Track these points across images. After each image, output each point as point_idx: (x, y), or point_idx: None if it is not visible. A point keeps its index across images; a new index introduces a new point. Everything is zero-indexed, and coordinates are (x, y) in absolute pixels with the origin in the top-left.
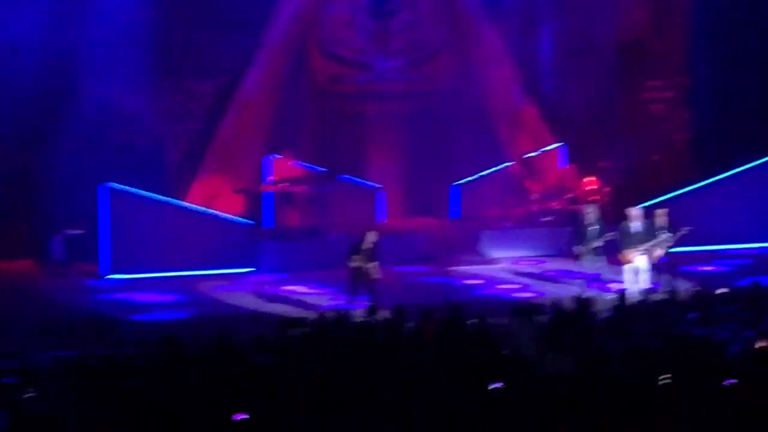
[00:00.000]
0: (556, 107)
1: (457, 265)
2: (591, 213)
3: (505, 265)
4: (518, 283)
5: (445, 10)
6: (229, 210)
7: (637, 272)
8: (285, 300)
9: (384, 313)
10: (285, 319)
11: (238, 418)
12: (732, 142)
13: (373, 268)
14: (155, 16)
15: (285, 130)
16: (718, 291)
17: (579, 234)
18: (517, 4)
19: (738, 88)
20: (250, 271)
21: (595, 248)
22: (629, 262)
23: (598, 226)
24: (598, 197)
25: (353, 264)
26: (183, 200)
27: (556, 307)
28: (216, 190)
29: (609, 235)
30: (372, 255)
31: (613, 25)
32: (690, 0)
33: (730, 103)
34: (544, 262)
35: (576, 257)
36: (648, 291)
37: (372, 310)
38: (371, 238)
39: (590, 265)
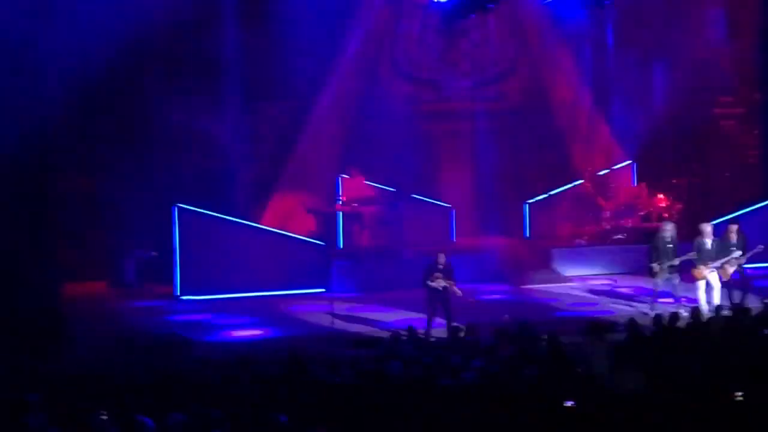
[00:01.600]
0: (628, 124)
1: (530, 284)
2: (667, 230)
3: (578, 283)
4: (592, 301)
5: (515, 29)
6: (303, 231)
7: (710, 289)
8: (358, 320)
9: (461, 332)
10: (359, 339)
11: None
12: None
13: (451, 287)
14: (228, 38)
15: (358, 150)
16: None
17: (655, 251)
18: (586, 21)
19: None
20: (322, 292)
21: (671, 266)
22: (702, 278)
23: (673, 244)
24: (669, 214)
25: (433, 285)
26: (258, 221)
27: (631, 326)
28: (290, 211)
29: (687, 255)
30: (447, 275)
31: (685, 42)
32: (761, 17)
33: None
34: (617, 279)
35: (651, 274)
36: (720, 307)
37: (454, 330)
38: (441, 259)
39: (664, 282)
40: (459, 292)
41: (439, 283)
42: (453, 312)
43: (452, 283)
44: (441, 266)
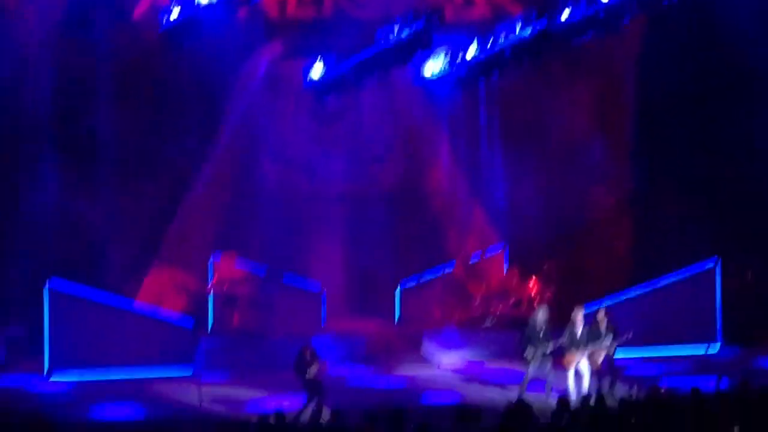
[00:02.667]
0: (501, 207)
1: (400, 368)
2: (540, 315)
3: (448, 368)
4: (461, 387)
5: (390, 113)
6: (177, 308)
7: (579, 377)
8: (226, 402)
9: (326, 415)
10: (226, 423)
11: None
12: (674, 246)
13: (321, 368)
14: (103, 117)
15: (233, 229)
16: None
17: (527, 337)
18: (460, 102)
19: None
20: (188, 374)
21: (544, 352)
22: (572, 366)
23: (545, 329)
24: (541, 299)
25: (309, 377)
26: (134, 298)
27: (500, 413)
28: (166, 289)
29: (559, 340)
30: (315, 360)
31: (559, 125)
32: (636, 104)
33: (670, 207)
34: (486, 365)
35: (524, 360)
36: (588, 396)
37: (317, 413)
38: (307, 352)
39: (537, 369)
40: (322, 373)
41: (312, 372)
42: (324, 395)
43: (320, 365)
44: (308, 357)
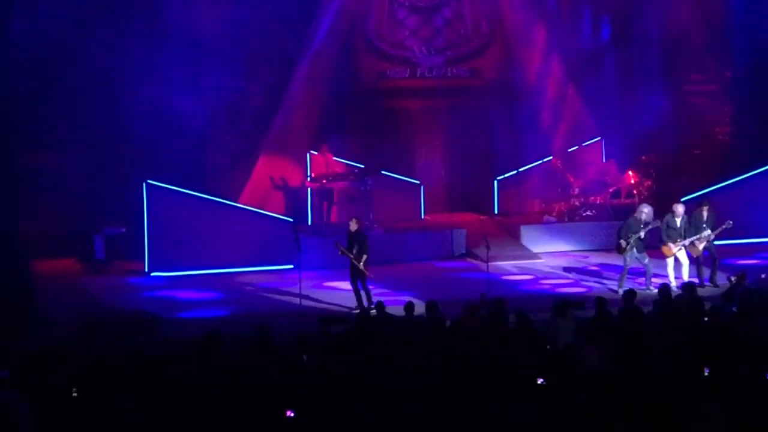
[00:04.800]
0: (599, 100)
1: (500, 261)
2: (644, 212)
3: (547, 259)
4: (561, 278)
5: (488, 4)
6: (280, 209)
7: (678, 266)
8: (327, 297)
9: (421, 309)
10: (326, 317)
11: (289, 415)
12: None
13: (351, 258)
14: (200, 13)
15: (332, 127)
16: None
17: (626, 228)
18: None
19: None
20: (290, 268)
21: (638, 238)
22: (671, 255)
23: (644, 221)
24: (639, 191)
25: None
26: (236, 200)
27: (598, 303)
28: (269, 189)
29: (652, 226)
30: (354, 245)
31: (657, 20)
32: None
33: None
34: (586, 256)
35: (619, 251)
36: (689, 284)
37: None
38: (352, 226)
39: (633, 259)
40: (361, 266)
41: (340, 250)
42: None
43: (353, 254)
44: (351, 234)
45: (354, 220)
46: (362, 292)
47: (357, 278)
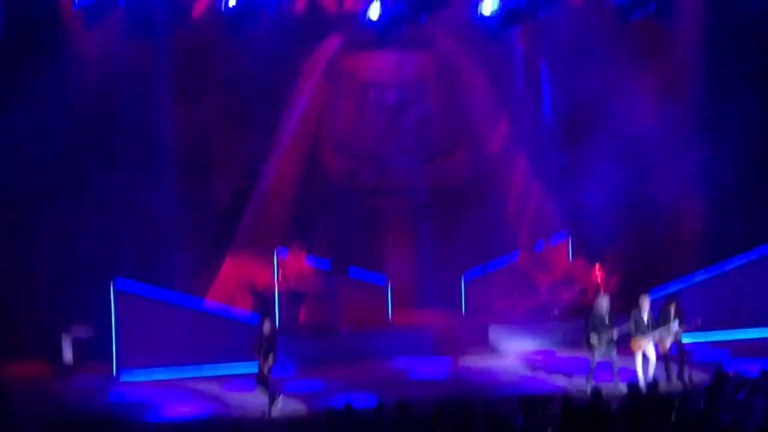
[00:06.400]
0: (566, 196)
1: (467, 359)
2: (603, 303)
3: (515, 357)
4: (529, 376)
5: (456, 102)
6: (245, 305)
7: (646, 362)
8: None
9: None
10: (296, 419)
11: None
12: (740, 230)
13: (264, 359)
14: (172, 113)
15: (301, 225)
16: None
17: (591, 324)
18: (525, 94)
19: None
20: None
21: (609, 338)
22: (639, 350)
23: (609, 316)
24: (606, 287)
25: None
26: (203, 297)
27: (567, 400)
28: (235, 287)
29: (624, 326)
30: (267, 343)
31: (623, 112)
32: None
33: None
34: (554, 353)
35: (589, 347)
36: (655, 382)
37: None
38: (266, 327)
39: (602, 355)
40: (265, 370)
41: (255, 352)
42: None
43: (266, 356)
44: (265, 335)
45: (267, 322)
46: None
47: (262, 380)
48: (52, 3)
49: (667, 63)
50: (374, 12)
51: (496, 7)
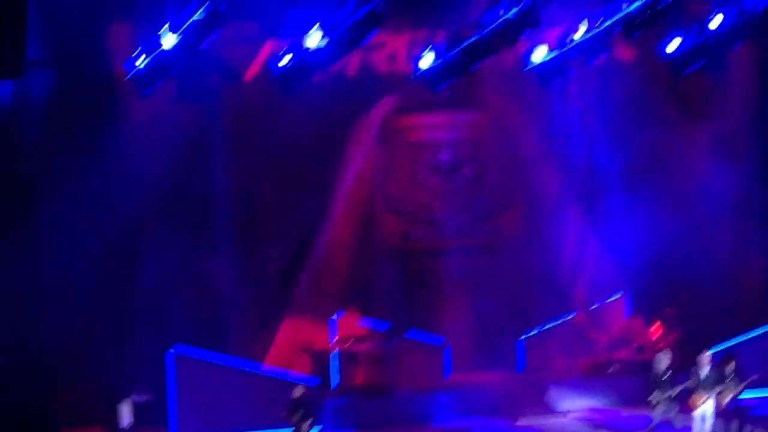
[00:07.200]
0: (623, 253)
1: (527, 419)
2: (663, 361)
3: (574, 416)
4: None
5: (509, 161)
6: (304, 369)
7: (704, 418)
8: None
9: None
10: None
11: None
12: None
13: (300, 425)
14: (227, 178)
15: (357, 288)
16: None
17: (653, 382)
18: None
19: None
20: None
21: (669, 396)
22: (698, 407)
23: (669, 374)
24: (665, 344)
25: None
26: (261, 362)
27: None
28: (291, 350)
29: (683, 385)
30: (302, 409)
31: (679, 167)
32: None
33: None
34: (612, 412)
35: (651, 406)
36: None
37: None
38: (297, 392)
39: (663, 413)
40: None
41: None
42: None
43: (303, 421)
44: (295, 399)
45: (299, 386)
46: None
47: None
48: (106, 71)
49: (722, 119)
50: (426, 61)
51: (546, 55)
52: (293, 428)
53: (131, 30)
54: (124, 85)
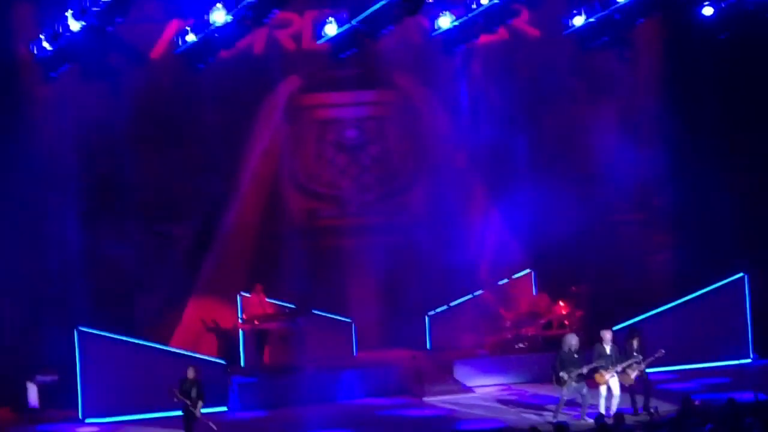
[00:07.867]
0: (529, 231)
1: (433, 396)
2: (572, 341)
3: (481, 393)
4: (496, 412)
5: (415, 139)
6: (212, 351)
7: (610, 395)
8: None
9: None
10: None
11: None
12: (704, 262)
13: (188, 404)
14: (132, 158)
15: (263, 267)
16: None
17: (561, 361)
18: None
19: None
20: (223, 411)
21: (579, 374)
22: (604, 383)
23: (578, 353)
24: (570, 321)
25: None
26: (167, 342)
27: None
28: (199, 331)
29: (592, 364)
30: (191, 391)
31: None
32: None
33: (701, 225)
34: (520, 389)
35: (559, 384)
36: (619, 414)
37: None
38: (190, 373)
39: (572, 391)
40: (197, 413)
41: (175, 397)
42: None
43: (190, 401)
44: (188, 381)
45: (191, 368)
46: None
47: (190, 424)
48: (10, 53)
49: (627, 95)
50: (330, 30)
51: (452, 22)
52: (184, 409)
53: (36, 12)
54: (30, 67)
